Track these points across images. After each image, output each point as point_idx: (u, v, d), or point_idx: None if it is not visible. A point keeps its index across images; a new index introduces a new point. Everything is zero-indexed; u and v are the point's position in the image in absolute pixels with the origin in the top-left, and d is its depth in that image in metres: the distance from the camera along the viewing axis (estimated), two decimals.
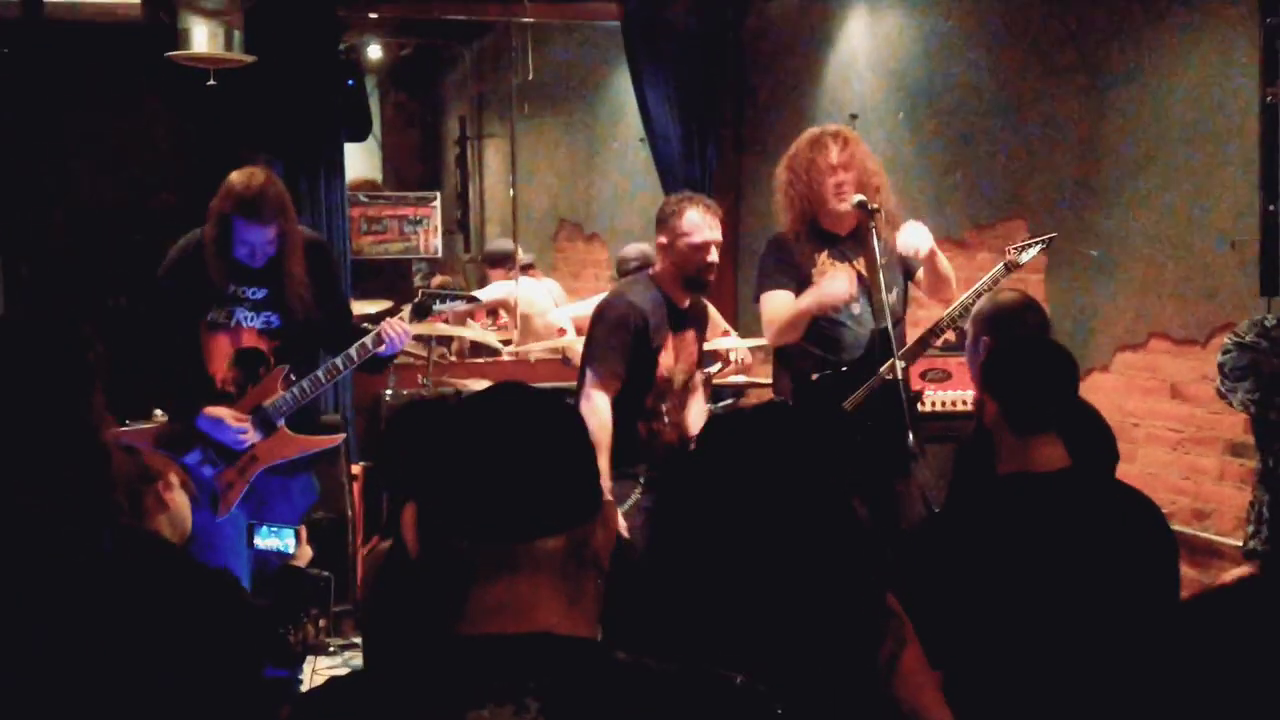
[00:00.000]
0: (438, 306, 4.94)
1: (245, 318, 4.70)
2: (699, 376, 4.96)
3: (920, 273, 4.95)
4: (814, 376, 4.74)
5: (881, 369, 4.64)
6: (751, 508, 2.32)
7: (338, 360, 4.69)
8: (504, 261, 8.34)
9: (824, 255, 4.85)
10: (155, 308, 4.74)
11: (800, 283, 4.80)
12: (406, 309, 4.84)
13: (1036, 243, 4.80)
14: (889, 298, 4.76)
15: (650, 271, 4.89)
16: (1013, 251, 4.77)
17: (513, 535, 1.52)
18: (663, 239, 4.75)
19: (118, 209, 6.81)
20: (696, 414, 4.93)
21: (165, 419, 4.92)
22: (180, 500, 3.14)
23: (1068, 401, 3.00)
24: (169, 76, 6.40)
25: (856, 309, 4.79)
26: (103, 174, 6.76)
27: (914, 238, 4.77)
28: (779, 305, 4.79)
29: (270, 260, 4.65)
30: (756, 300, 4.95)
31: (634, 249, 6.88)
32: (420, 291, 5.00)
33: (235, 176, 4.61)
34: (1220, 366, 4.32)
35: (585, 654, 1.52)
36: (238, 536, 4.57)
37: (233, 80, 6.35)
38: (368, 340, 4.69)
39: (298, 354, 4.78)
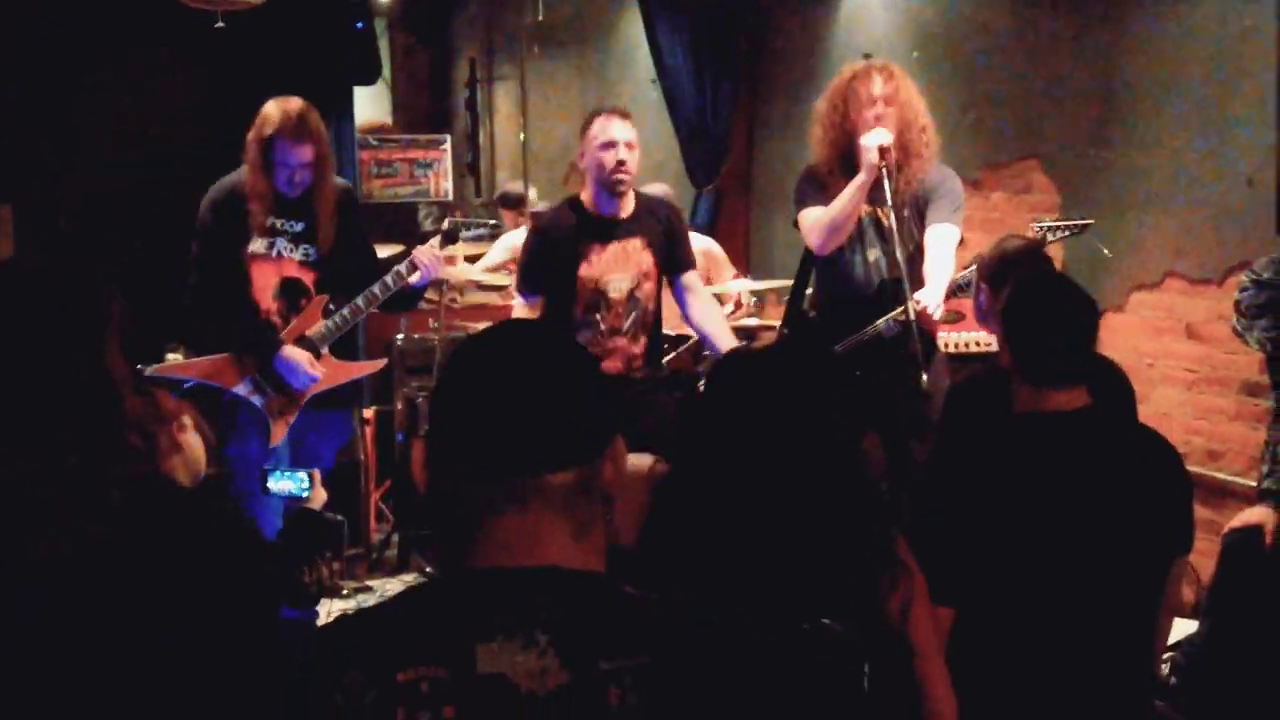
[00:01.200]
0: (464, 234, 5.04)
1: (285, 248, 4.77)
2: (648, 287, 4.78)
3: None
4: (811, 313, 4.69)
5: (879, 321, 4.56)
6: (757, 449, 2.31)
7: (374, 288, 4.78)
8: (518, 204, 8.31)
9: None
10: (199, 247, 4.77)
11: None
12: (436, 238, 4.96)
13: (1067, 227, 4.71)
14: (899, 253, 4.64)
15: (576, 196, 4.89)
16: (1038, 230, 4.68)
17: (522, 470, 1.52)
18: (580, 151, 4.78)
19: (130, 157, 6.79)
20: (704, 314, 4.89)
21: (188, 355, 4.97)
22: (194, 442, 3.13)
23: (1087, 354, 2.95)
24: (177, 20, 6.36)
25: (873, 255, 4.73)
26: (111, 120, 6.73)
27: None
28: (819, 213, 4.66)
29: (305, 192, 4.71)
30: (795, 226, 4.84)
31: (657, 188, 6.83)
32: (447, 219, 5.08)
33: (271, 103, 4.68)
34: (1237, 304, 4.29)
35: (594, 588, 1.52)
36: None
37: (241, 23, 6.30)
38: (402, 267, 4.79)
39: (336, 287, 4.84)
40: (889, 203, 4.49)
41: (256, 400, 4.75)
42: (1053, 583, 2.77)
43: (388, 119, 11.38)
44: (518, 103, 9.20)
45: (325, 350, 4.80)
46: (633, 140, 4.72)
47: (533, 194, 8.52)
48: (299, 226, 4.76)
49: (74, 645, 2.49)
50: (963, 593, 2.72)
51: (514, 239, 7.89)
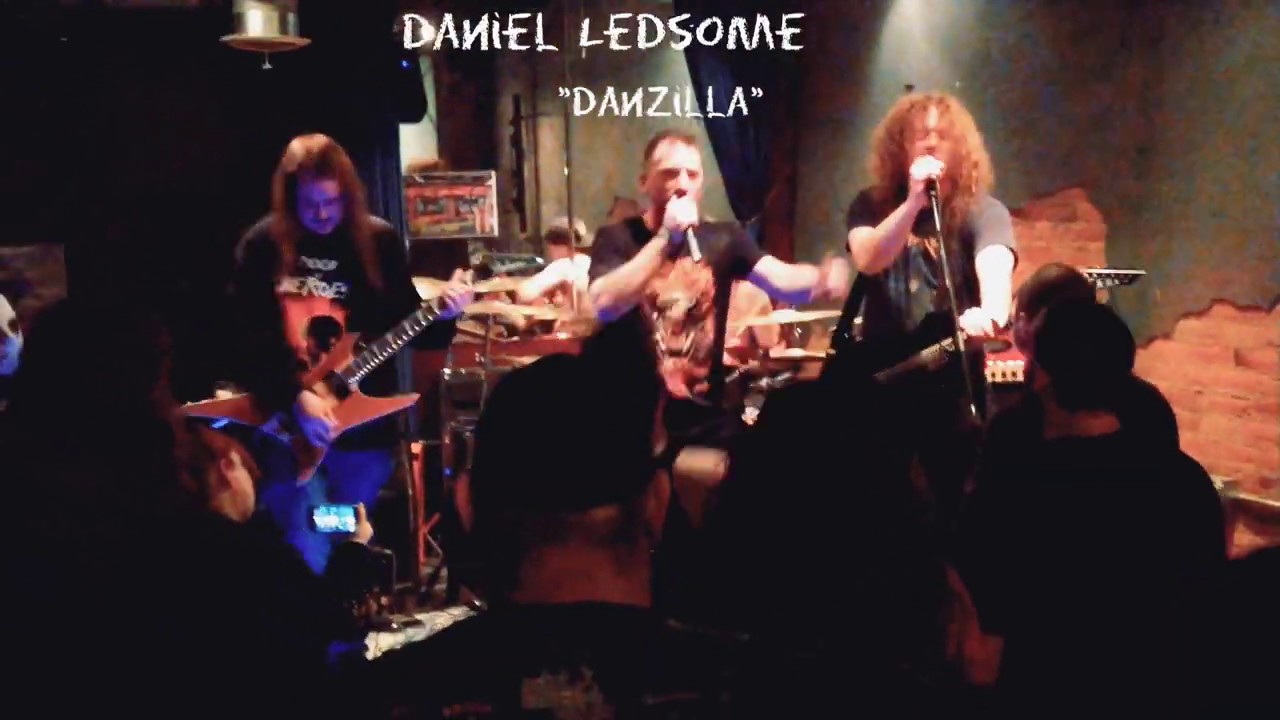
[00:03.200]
0: (498, 269, 5.03)
1: (318, 287, 4.78)
2: (709, 307, 4.77)
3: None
4: (857, 338, 4.69)
5: (924, 351, 4.56)
6: (807, 482, 2.31)
7: (405, 323, 4.76)
8: (566, 239, 8.35)
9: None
10: (234, 288, 4.81)
11: None
12: (469, 272, 4.95)
13: (1118, 277, 4.73)
14: (949, 282, 4.65)
15: (639, 215, 4.91)
16: (1090, 277, 4.70)
17: (565, 505, 1.53)
18: (642, 173, 4.79)
19: (178, 198, 6.87)
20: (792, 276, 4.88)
21: (237, 393, 5.00)
22: (242, 478, 3.17)
23: (1121, 378, 2.95)
24: (226, 63, 6.44)
25: (915, 286, 4.74)
26: (160, 161, 6.81)
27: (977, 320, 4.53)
28: (866, 233, 4.68)
29: (338, 228, 4.72)
30: (847, 248, 4.83)
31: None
32: (482, 255, 5.06)
33: (296, 141, 4.72)
34: None
35: (638, 622, 1.52)
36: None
37: (288, 63, 6.39)
38: (432, 303, 4.78)
39: (369, 323, 4.82)
40: (937, 234, 4.49)
41: (284, 438, 4.75)
42: (1089, 607, 2.76)
43: (434, 156, 11.45)
44: (562, 138, 9.24)
45: (355, 386, 4.79)
46: (695, 168, 4.71)
47: (582, 228, 8.55)
48: (331, 264, 4.77)
49: (126, 680, 2.51)
50: (1009, 619, 2.71)
51: (565, 266, 7.94)
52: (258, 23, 6.19)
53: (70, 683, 2.43)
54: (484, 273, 5.00)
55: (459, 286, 4.82)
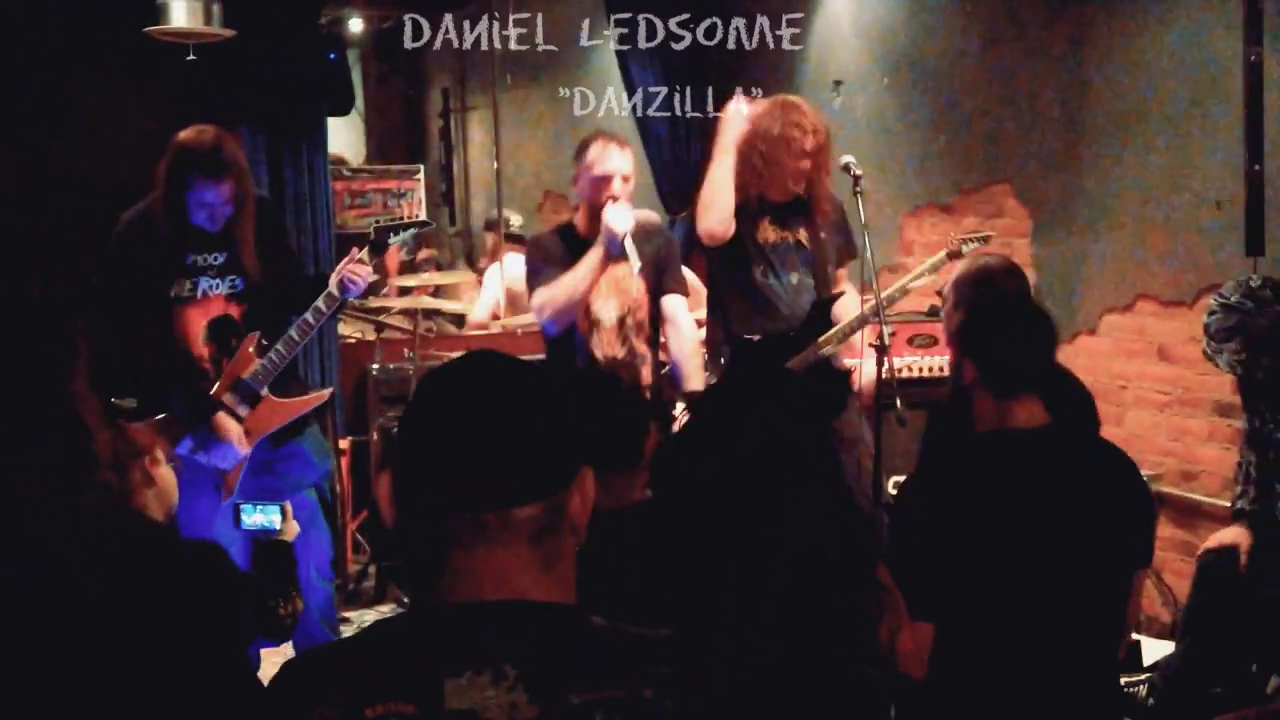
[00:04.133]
0: (393, 239, 4.82)
1: (210, 286, 4.53)
2: (636, 317, 4.73)
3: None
4: (754, 338, 4.67)
5: (820, 340, 4.63)
6: (746, 480, 2.31)
7: (307, 315, 4.50)
8: (495, 227, 8.32)
9: (766, 220, 4.79)
10: (113, 288, 4.54)
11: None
12: (365, 249, 4.63)
13: (979, 237, 4.83)
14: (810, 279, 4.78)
15: (571, 220, 4.82)
16: (955, 242, 4.78)
17: (487, 504, 1.51)
18: (574, 175, 4.71)
19: (100, 192, 6.76)
20: (678, 346, 4.81)
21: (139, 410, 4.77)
22: (167, 475, 3.12)
23: (1047, 364, 2.98)
24: (148, 53, 6.35)
25: (795, 279, 4.76)
26: (80, 153, 6.71)
27: None
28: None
29: (227, 222, 4.46)
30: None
31: (645, 214, 6.82)
32: (372, 227, 4.85)
33: (183, 134, 4.43)
34: (1206, 328, 4.32)
35: (562, 620, 1.51)
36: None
37: (213, 55, 6.30)
38: (332, 288, 4.52)
39: (267, 316, 4.60)
40: (807, 225, 4.71)
41: (201, 458, 4.49)
42: (1021, 596, 2.79)
43: (361, 149, 11.37)
44: (491, 132, 9.21)
45: (265, 391, 4.54)
46: (629, 172, 4.65)
47: (517, 220, 8.52)
48: (221, 258, 4.52)
49: (45, 679, 2.47)
50: (940, 608, 2.73)
51: (496, 277, 7.87)
52: (182, 13, 6.10)
53: None
54: (379, 247, 4.74)
55: (358, 267, 4.55)
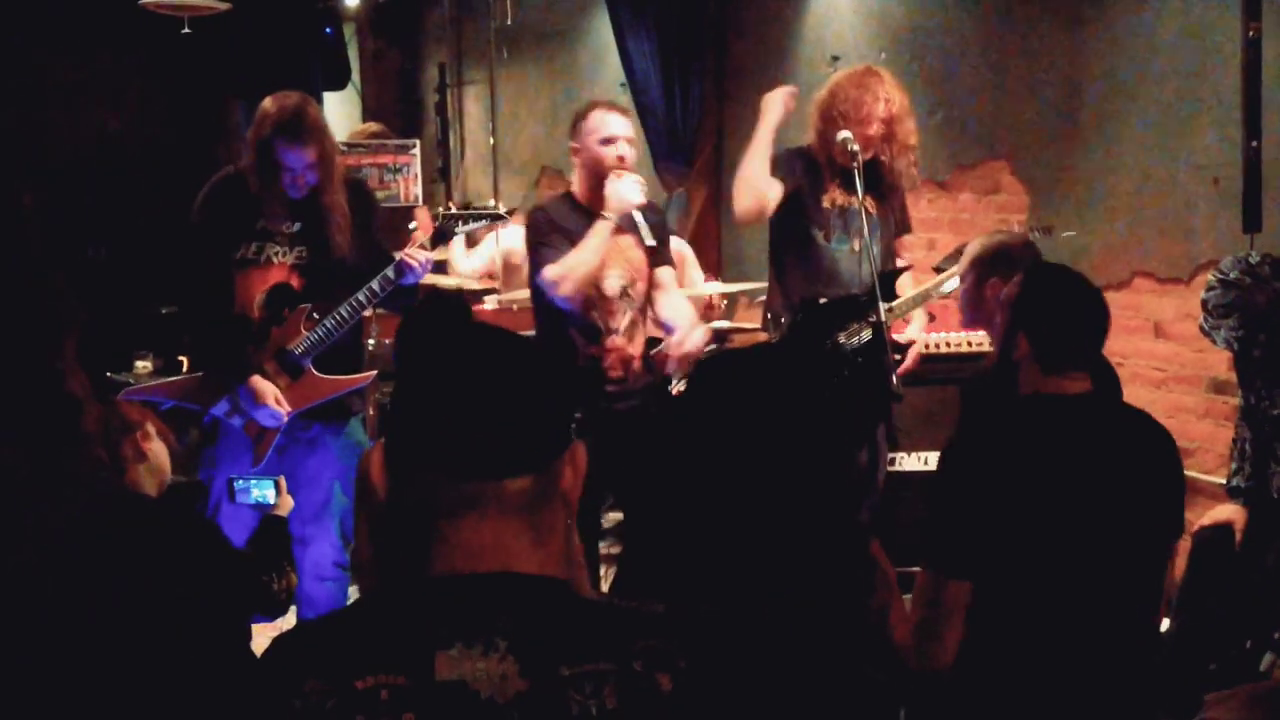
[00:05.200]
0: (459, 229, 4.81)
1: (276, 252, 4.48)
2: (640, 287, 4.69)
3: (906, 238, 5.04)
4: (821, 300, 4.69)
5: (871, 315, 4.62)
6: (743, 451, 2.30)
7: (360, 295, 4.46)
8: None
9: (835, 184, 4.85)
10: (193, 247, 4.52)
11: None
12: (426, 237, 4.62)
13: (1041, 229, 4.86)
14: (877, 247, 4.78)
15: (568, 190, 4.74)
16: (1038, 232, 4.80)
17: (479, 475, 1.51)
18: (574, 144, 4.64)
19: (95, 163, 6.75)
20: (675, 310, 4.77)
21: (191, 370, 4.75)
22: (159, 450, 3.12)
23: (1100, 343, 2.98)
24: (144, 26, 6.33)
25: (857, 245, 4.78)
26: (77, 126, 6.69)
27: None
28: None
29: (311, 190, 4.45)
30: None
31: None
32: (440, 215, 4.81)
33: (269, 100, 4.43)
34: (1204, 303, 4.31)
35: (554, 593, 1.51)
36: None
37: (208, 28, 6.28)
38: (389, 271, 4.48)
39: (328, 291, 4.52)
40: (870, 192, 4.73)
41: (236, 421, 4.47)
42: (1061, 560, 2.78)
43: (358, 124, 11.33)
44: (487, 107, 9.19)
45: (308, 365, 4.49)
46: (632, 135, 4.64)
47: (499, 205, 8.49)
48: (295, 226, 4.48)
49: (37, 657, 2.47)
50: (978, 567, 2.73)
51: (489, 245, 7.86)
52: None
53: None
54: (443, 236, 4.71)
55: (418, 252, 4.52)
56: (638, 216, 4.53)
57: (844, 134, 4.67)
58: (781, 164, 4.83)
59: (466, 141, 11.28)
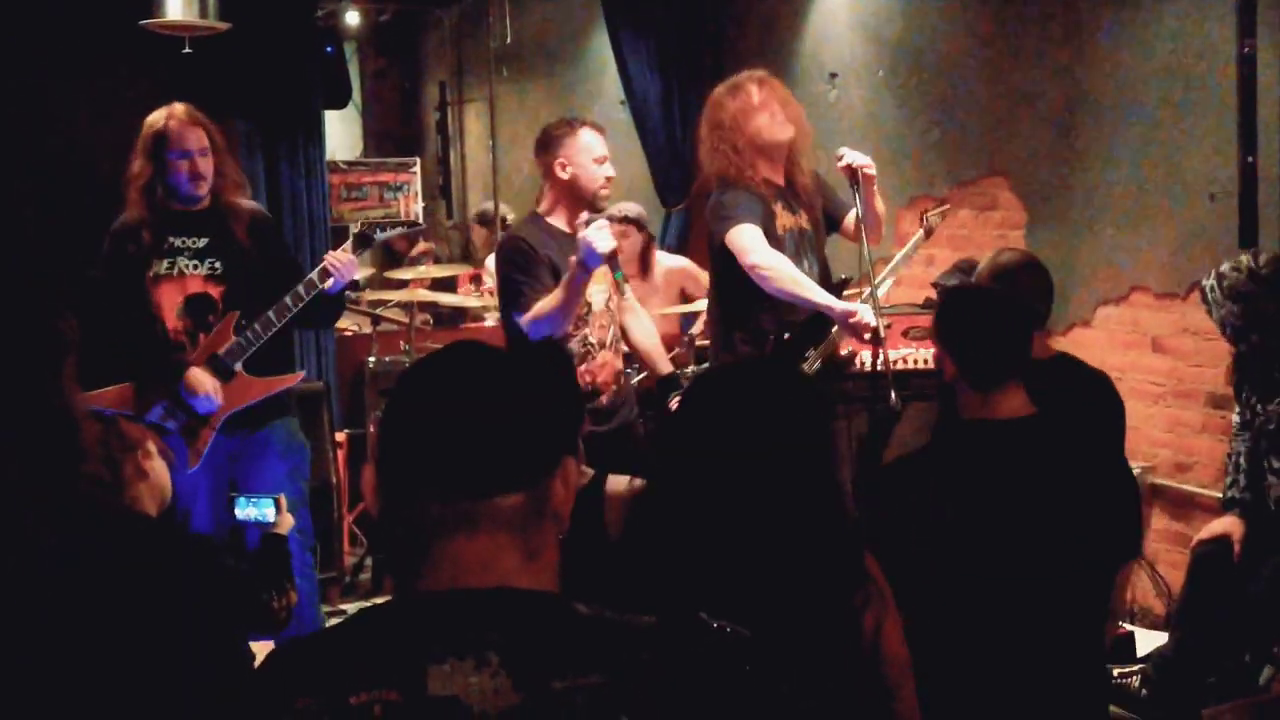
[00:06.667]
0: (379, 235, 4.94)
1: (189, 266, 4.66)
2: (616, 301, 4.69)
3: (852, 215, 4.76)
4: (785, 336, 4.65)
5: (833, 331, 4.60)
6: (737, 466, 2.31)
7: (286, 299, 4.62)
8: (491, 223, 8.30)
9: (779, 207, 4.74)
10: (101, 278, 4.71)
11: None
12: (349, 241, 4.82)
13: (940, 212, 4.98)
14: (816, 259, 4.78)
15: (537, 210, 4.67)
16: (927, 220, 4.91)
17: (470, 493, 1.52)
18: (558, 160, 4.52)
19: (94, 185, 6.75)
20: (643, 334, 4.82)
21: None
22: (159, 468, 3.13)
23: (1021, 354, 2.99)
24: (144, 46, 6.35)
25: (805, 266, 4.73)
26: (76, 146, 6.70)
27: (859, 156, 4.68)
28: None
29: (206, 207, 4.65)
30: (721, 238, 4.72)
31: (630, 207, 6.82)
32: (361, 223, 4.93)
33: (148, 117, 4.68)
34: (1220, 277, 4.29)
35: (545, 607, 1.52)
36: (212, 498, 4.60)
37: (208, 48, 6.30)
38: (314, 275, 4.64)
39: (247, 300, 4.68)
40: (805, 208, 4.73)
41: (171, 425, 4.60)
42: (999, 587, 2.79)
43: (358, 142, 11.37)
44: (488, 125, 9.22)
45: (239, 367, 4.65)
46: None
47: (509, 214, 8.52)
48: (201, 242, 4.66)
49: (32, 672, 2.47)
50: (915, 600, 2.73)
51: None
52: (177, 6, 6.09)
53: None
54: (364, 241, 4.83)
55: (342, 256, 4.66)
56: (613, 261, 4.44)
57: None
58: (734, 205, 4.67)
59: (467, 159, 11.32)
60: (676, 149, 7.87)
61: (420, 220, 8.94)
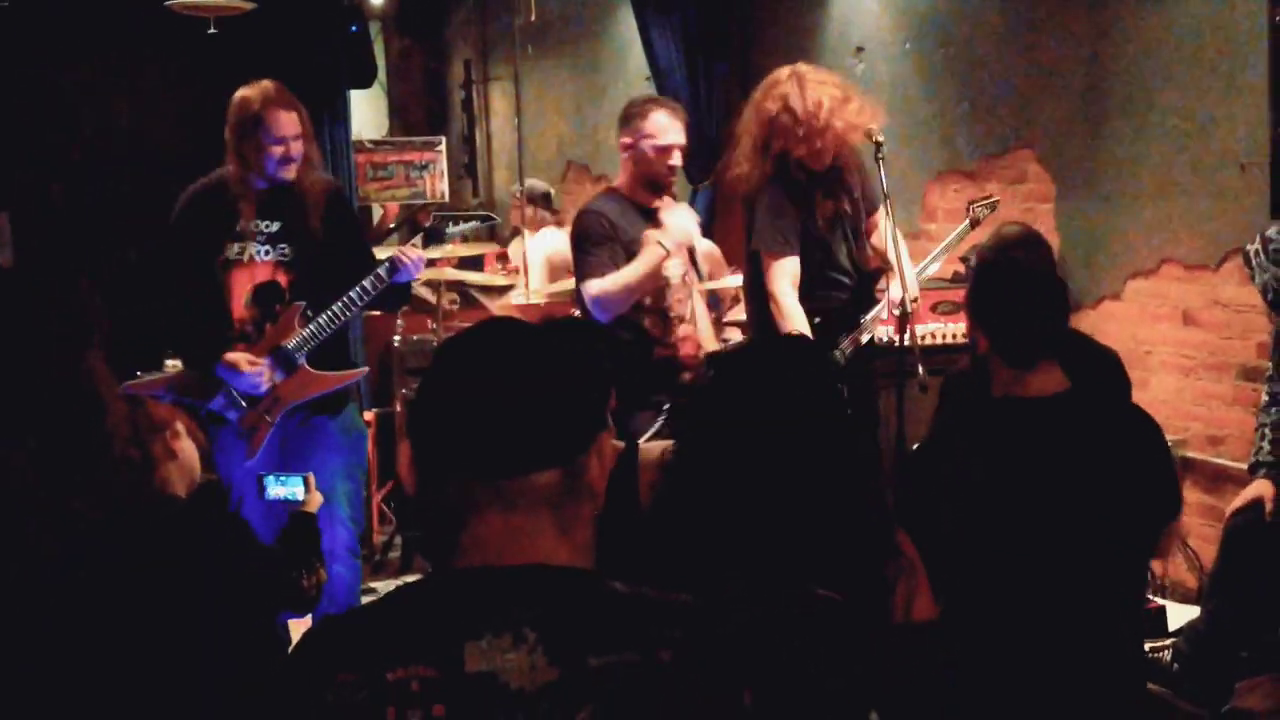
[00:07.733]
0: (450, 230, 4.89)
1: (260, 252, 4.60)
2: (692, 275, 4.76)
3: (880, 213, 4.76)
4: (816, 320, 4.65)
5: (865, 318, 4.66)
6: (767, 442, 2.31)
7: (353, 292, 4.58)
8: (542, 201, 8.27)
9: (818, 195, 4.71)
10: (170, 249, 4.64)
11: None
12: (419, 236, 4.81)
13: (988, 203, 5.00)
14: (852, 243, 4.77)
15: (613, 185, 4.78)
16: (975, 210, 4.93)
17: (505, 470, 1.52)
18: (626, 139, 4.64)
19: (124, 165, 6.78)
20: (701, 315, 4.84)
21: (180, 366, 4.87)
22: (188, 448, 3.14)
23: (1059, 331, 2.96)
24: (170, 27, 6.36)
25: (844, 249, 4.74)
26: (106, 128, 6.73)
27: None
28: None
29: (285, 189, 4.56)
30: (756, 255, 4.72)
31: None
32: (433, 215, 4.90)
33: (242, 90, 4.58)
34: (1266, 241, 4.24)
35: (581, 584, 1.52)
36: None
37: (234, 28, 6.31)
38: (381, 270, 4.59)
39: (315, 288, 4.63)
40: (849, 194, 4.69)
41: (232, 415, 4.58)
42: (1036, 564, 2.78)
43: (384, 121, 11.35)
44: (513, 103, 9.20)
45: (303, 360, 4.60)
46: (685, 142, 4.68)
47: (551, 192, 8.52)
48: (274, 226, 4.60)
49: (73, 655, 2.49)
50: (949, 578, 2.73)
51: (541, 252, 7.81)
52: None
53: (9, 655, 2.41)
54: (436, 236, 4.83)
55: (412, 250, 4.65)
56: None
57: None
58: (780, 234, 4.63)
59: (492, 137, 11.31)
60: (702, 125, 7.84)
61: (446, 198, 8.93)
